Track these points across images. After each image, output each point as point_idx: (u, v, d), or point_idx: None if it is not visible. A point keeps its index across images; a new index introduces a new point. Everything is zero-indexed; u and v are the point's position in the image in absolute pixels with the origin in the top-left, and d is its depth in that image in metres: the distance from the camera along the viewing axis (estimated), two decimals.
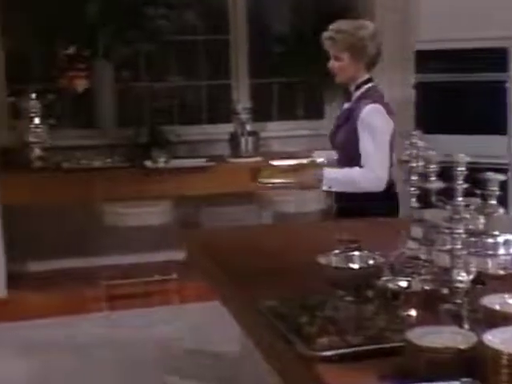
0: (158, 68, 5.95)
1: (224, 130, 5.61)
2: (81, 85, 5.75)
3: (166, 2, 5.75)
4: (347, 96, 3.55)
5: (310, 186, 3.47)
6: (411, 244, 2.19)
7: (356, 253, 2.29)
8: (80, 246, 5.38)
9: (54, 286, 5.11)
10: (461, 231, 1.84)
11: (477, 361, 1.46)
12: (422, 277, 1.98)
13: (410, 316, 1.80)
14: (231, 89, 5.96)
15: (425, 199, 2.22)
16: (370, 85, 3.45)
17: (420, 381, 1.45)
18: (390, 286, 1.93)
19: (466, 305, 1.76)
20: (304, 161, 3.59)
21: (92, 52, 5.53)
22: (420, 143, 2.21)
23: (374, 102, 3.36)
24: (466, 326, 1.68)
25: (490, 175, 2.18)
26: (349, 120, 3.41)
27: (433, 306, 1.81)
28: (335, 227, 2.76)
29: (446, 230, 1.96)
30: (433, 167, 2.18)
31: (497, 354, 1.41)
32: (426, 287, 1.91)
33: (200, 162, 5.28)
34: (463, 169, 1.86)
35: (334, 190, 3.41)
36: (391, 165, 3.35)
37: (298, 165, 3.65)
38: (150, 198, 5.06)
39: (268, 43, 6.24)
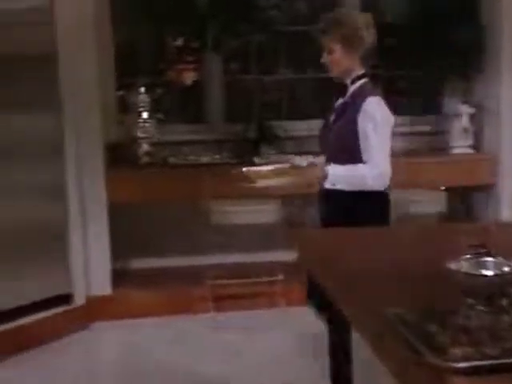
0: (268, 60, 5.78)
1: None
2: (189, 77, 5.63)
3: None
4: (342, 91, 3.36)
5: (310, 185, 3.35)
6: None
7: (489, 259, 2.05)
8: (185, 243, 5.27)
9: (158, 284, 5.02)
10: None
11: None
12: None
13: None
14: None
15: None
16: (365, 80, 3.32)
17: None
18: None
19: None
20: (285, 165, 3.41)
21: (201, 44, 5.41)
22: None
23: (374, 94, 3.27)
24: None
25: None
26: (345, 113, 3.26)
27: None
28: (460, 230, 2.61)
29: None
30: None
31: None
32: None
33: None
34: None
35: (338, 187, 3.23)
36: None
37: (278, 169, 3.44)
38: (258, 197, 4.89)
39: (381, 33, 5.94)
